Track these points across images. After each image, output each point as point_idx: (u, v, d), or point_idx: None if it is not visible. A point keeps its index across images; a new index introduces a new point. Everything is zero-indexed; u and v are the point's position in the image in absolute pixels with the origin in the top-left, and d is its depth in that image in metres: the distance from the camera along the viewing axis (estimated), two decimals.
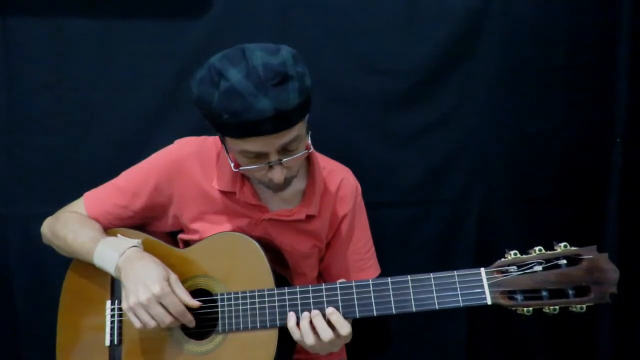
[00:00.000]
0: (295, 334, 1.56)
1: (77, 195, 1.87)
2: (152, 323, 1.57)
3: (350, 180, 1.94)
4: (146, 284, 1.57)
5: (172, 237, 1.91)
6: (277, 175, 1.59)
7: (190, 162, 1.80)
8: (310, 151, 1.66)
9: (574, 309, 1.43)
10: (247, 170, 1.62)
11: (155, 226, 1.89)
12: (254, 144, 1.52)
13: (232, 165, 1.64)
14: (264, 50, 1.50)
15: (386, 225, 2.23)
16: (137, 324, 1.58)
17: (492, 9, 2.21)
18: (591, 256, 1.42)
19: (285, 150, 1.57)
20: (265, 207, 1.80)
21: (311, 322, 1.56)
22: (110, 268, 1.66)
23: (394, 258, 2.15)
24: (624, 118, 2.32)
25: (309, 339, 1.55)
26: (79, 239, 1.73)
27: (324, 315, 1.56)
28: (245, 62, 1.47)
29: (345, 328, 1.54)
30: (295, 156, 1.59)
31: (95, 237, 1.72)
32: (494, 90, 2.26)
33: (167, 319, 1.57)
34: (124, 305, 1.60)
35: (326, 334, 1.53)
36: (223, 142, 1.65)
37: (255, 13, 2.14)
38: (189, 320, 1.62)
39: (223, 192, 1.79)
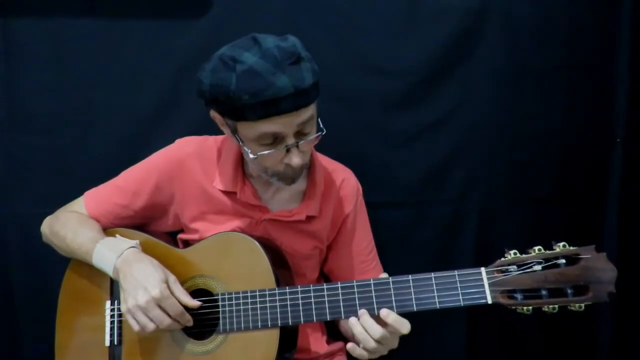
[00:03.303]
0: (372, 338, 1.52)
1: (76, 195, 1.88)
2: (150, 326, 1.56)
3: (352, 180, 1.94)
4: (145, 287, 1.56)
5: (172, 237, 1.91)
6: (296, 158, 1.59)
7: (191, 162, 1.80)
8: (324, 133, 1.66)
9: (572, 308, 1.44)
10: (265, 158, 1.61)
11: (156, 226, 1.89)
12: (273, 125, 1.52)
13: (248, 152, 1.61)
14: (273, 37, 1.55)
15: (386, 225, 2.22)
16: (136, 327, 1.58)
17: (492, 9, 2.21)
18: (589, 256, 1.43)
19: (300, 134, 1.59)
20: (265, 207, 1.80)
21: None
22: (108, 269, 1.66)
23: (394, 258, 2.14)
24: (624, 118, 2.32)
25: (370, 344, 1.52)
26: (78, 239, 1.73)
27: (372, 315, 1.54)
28: (259, 46, 1.50)
29: (405, 325, 1.52)
30: (310, 138, 1.61)
31: (94, 238, 1.72)
32: (493, 90, 2.26)
33: (166, 321, 1.57)
34: (122, 308, 1.60)
35: (377, 332, 1.51)
36: (235, 133, 1.63)
37: (255, 13, 2.14)
38: (187, 320, 1.61)
39: (224, 192, 1.79)
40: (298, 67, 1.50)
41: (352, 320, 1.55)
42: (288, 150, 1.59)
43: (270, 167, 1.65)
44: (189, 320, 1.62)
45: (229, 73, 1.49)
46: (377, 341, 1.51)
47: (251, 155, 1.61)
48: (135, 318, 1.58)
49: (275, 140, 1.57)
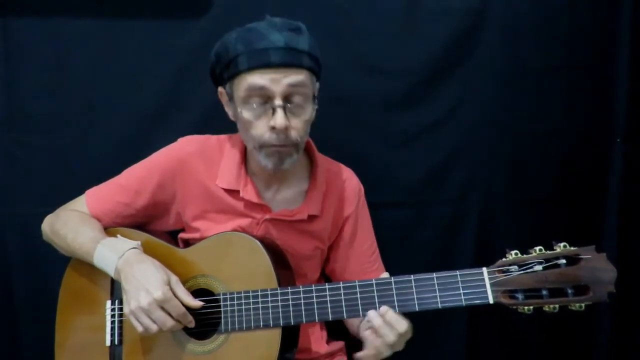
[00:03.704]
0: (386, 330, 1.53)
1: (77, 195, 1.88)
2: (154, 327, 1.56)
3: (353, 181, 1.94)
4: (147, 288, 1.56)
5: (173, 237, 1.91)
6: (279, 118, 1.60)
7: (194, 160, 1.81)
8: (316, 107, 1.71)
9: (573, 308, 1.44)
10: (252, 118, 1.64)
11: (157, 225, 1.89)
12: (261, 78, 1.59)
13: (240, 114, 1.66)
14: None
15: (386, 225, 2.21)
16: (140, 328, 1.58)
17: (492, 9, 2.22)
18: (590, 256, 1.43)
19: (289, 100, 1.63)
20: (267, 206, 1.80)
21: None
22: (110, 270, 1.66)
23: (394, 258, 2.13)
24: (624, 118, 2.32)
25: (376, 342, 1.54)
26: (78, 238, 1.73)
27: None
28: (266, 20, 1.67)
29: (401, 325, 1.52)
30: (300, 104, 1.65)
31: (95, 238, 1.72)
32: (493, 90, 2.26)
33: (169, 323, 1.57)
34: (125, 310, 1.60)
35: (386, 332, 1.52)
36: (231, 96, 1.70)
37: (255, 12, 2.12)
38: (189, 320, 1.62)
39: (226, 191, 1.79)
40: (296, 34, 1.62)
41: (372, 313, 1.54)
42: (275, 111, 1.61)
43: (257, 135, 1.65)
44: (191, 321, 1.62)
45: (232, 32, 1.65)
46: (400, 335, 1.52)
47: (238, 110, 1.66)
48: (138, 320, 1.58)
49: (263, 99, 1.62)
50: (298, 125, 1.66)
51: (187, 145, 1.84)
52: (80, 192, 1.88)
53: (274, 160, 1.68)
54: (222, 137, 1.88)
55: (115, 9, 2.12)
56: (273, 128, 1.61)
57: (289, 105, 1.62)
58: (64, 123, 2.16)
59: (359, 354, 1.59)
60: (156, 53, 2.15)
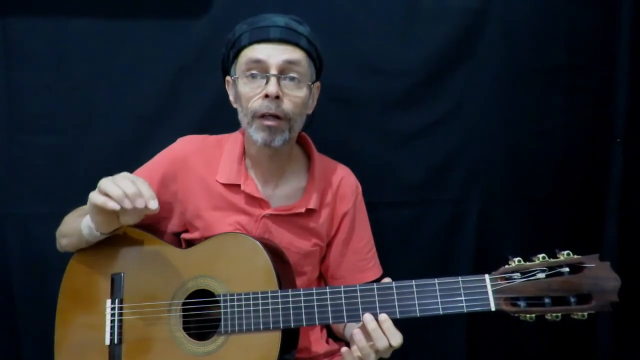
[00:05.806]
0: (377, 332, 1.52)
1: (77, 194, 1.87)
2: (116, 192, 1.48)
3: (351, 178, 1.96)
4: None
5: (176, 238, 1.92)
6: (271, 86, 1.67)
7: (193, 158, 1.83)
8: (314, 83, 1.81)
9: (575, 317, 1.44)
10: (247, 89, 1.71)
11: (164, 226, 1.89)
12: (259, 52, 1.69)
13: (238, 87, 1.74)
14: None
15: (386, 225, 2.23)
16: (100, 198, 1.51)
17: (492, 9, 2.22)
18: (593, 265, 1.43)
19: (285, 75, 1.71)
20: (266, 202, 1.81)
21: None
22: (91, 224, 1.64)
23: (394, 258, 2.14)
24: (624, 118, 2.32)
25: (362, 342, 1.53)
26: (72, 226, 1.75)
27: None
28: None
29: (396, 338, 1.52)
30: (294, 82, 1.72)
31: (80, 215, 1.73)
32: (493, 90, 2.27)
33: (131, 190, 1.48)
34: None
35: (378, 337, 1.52)
36: (234, 79, 1.76)
37: (255, 13, 2.13)
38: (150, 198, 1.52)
39: (226, 187, 1.81)
40: (297, 22, 1.75)
41: (368, 316, 1.53)
42: (269, 80, 1.68)
43: (251, 106, 1.70)
44: (152, 198, 1.52)
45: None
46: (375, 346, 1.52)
47: (238, 88, 1.74)
48: (100, 187, 1.52)
49: (260, 72, 1.70)
50: (291, 100, 1.71)
51: (186, 145, 1.87)
52: (80, 192, 1.86)
53: (264, 134, 1.70)
54: (221, 136, 1.91)
55: (115, 9, 2.12)
56: (266, 96, 1.67)
57: (283, 80, 1.70)
58: (64, 123, 2.16)
59: (344, 349, 1.58)
60: (156, 53, 2.16)
